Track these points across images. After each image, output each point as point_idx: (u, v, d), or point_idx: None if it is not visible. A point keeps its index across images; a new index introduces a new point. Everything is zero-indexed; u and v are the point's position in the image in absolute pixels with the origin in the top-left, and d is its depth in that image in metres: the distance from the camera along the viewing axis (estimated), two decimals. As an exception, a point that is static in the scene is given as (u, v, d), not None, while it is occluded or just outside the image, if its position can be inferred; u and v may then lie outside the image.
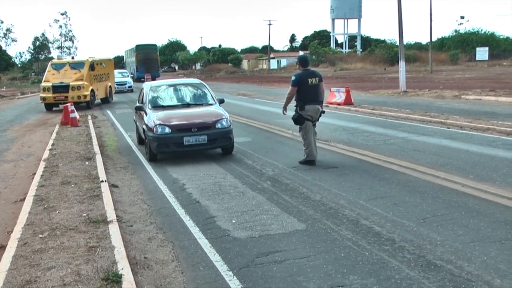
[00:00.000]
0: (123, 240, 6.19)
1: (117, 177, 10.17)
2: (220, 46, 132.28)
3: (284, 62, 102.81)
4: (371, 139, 13.17)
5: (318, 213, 7.14)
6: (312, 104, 10.22)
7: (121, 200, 8.39)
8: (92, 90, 28.66)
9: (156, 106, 12.24)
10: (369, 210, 7.18)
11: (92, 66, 29.16)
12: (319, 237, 6.24)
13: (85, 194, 8.42)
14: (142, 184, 9.63)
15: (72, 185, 9.12)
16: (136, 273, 5.37)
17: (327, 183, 8.78)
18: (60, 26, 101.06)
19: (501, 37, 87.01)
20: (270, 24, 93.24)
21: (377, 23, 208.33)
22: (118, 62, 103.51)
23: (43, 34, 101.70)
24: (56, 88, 27.36)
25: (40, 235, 6.44)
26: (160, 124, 11.16)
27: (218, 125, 11.34)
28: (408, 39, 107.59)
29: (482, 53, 65.28)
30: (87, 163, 11.26)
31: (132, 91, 42.17)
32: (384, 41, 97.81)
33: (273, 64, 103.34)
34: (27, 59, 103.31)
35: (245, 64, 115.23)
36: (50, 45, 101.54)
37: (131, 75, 52.83)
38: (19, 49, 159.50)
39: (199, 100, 12.72)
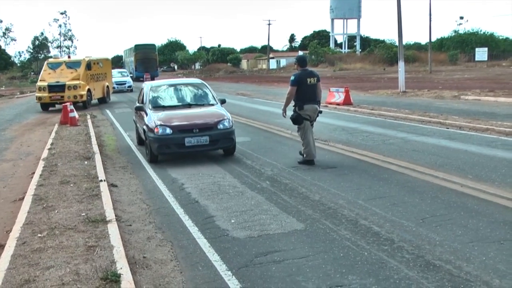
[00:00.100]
0: (122, 240, 6.19)
1: (116, 177, 10.16)
2: (219, 46, 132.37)
3: (283, 62, 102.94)
4: (370, 139, 13.17)
5: (317, 213, 7.15)
6: (311, 104, 10.29)
7: (120, 200, 8.38)
8: (89, 90, 28.33)
9: (157, 106, 12.04)
10: (368, 210, 7.18)
11: (88, 66, 28.82)
12: (318, 237, 6.24)
13: (84, 194, 8.42)
14: (141, 183, 9.63)
15: (71, 185, 9.11)
16: (135, 272, 5.36)
17: (326, 183, 8.78)
18: (60, 26, 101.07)
19: (501, 37, 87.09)
20: (269, 24, 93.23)
21: (377, 23, 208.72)
22: (117, 62, 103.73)
23: (42, 34, 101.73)
24: (52, 88, 27.03)
25: (39, 235, 6.43)
26: (161, 125, 10.97)
27: (220, 126, 11.17)
28: (408, 39, 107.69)
29: (481, 53, 65.26)
30: (86, 162, 11.25)
31: (131, 90, 42.14)
32: (383, 41, 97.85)
33: (273, 64, 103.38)
34: (26, 59, 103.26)
35: (244, 64, 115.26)
36: (49, 44, 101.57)
37: (130, 75, 52.89)
38: (18, 48, 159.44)
39: (200, 100, 12.53)
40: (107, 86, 32.35)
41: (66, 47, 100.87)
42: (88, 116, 22.65)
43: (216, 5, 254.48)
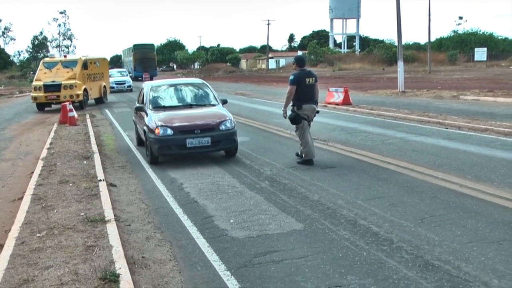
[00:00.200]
0: (121, 240, 6.18)
1: (115, 176, 10.15)
2: (218, 45, 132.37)
3: (282, 62, 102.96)
4: (369, 139, 13.18)
5: (316, 213, 7.14)
6: (309, 104, 10.35)
7: (119, 199, 8.38)
8: (85, 90, 27.88)
9: (157, 107, 11.84)
10: (367, 210, 7.18)
11: (85, 65, 28.41)
12: (317, 237, 6.23)
13: (83, 193, 8.41)
14: (140, 183, 9.62)
15: (70, 184, 9.11)
16: (134, 272, 5.36)
17: (325, 183, 8.78)
18: (59, 25, 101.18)
19: (500, 37, 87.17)
20: (268, 24, 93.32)
21: (376, 23, 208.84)
22: (116, 61, 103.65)
23: (41, 33, 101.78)
24: (47, 87, 26.59)
25: (38, 234, 6.43)
26: (161, 126, 10.77)
27: (222, 127, 10.99)
28: (407, 39, 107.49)
29: (480, 53, 65.28)
30: (85, 162, 11.24)
31: (131, 90, 42.07)
32: (382, 41, 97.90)
33: (272, 64, 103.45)
34: (26, 58, 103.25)
35: (243, 64, 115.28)
36: (48, 43, 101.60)
37: (130, 74, 52.98)
38: (17, 48, 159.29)
39: (202, 101, 12.32)
40: (104, 86, 31.90)
41: (65, 46, 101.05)
42: (87, 116, 22.64)
43: (216, 5, 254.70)
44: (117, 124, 19.70)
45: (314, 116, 10.63)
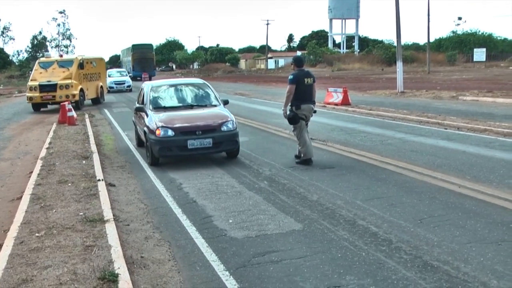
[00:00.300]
0: (119, 239, 6.18)
1: (114, 176, 10.15)
2: (217, 45, 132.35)
3: (281, 62, 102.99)
4: (368, 140, 13.18)
5: (315, 213, 7.14)
6: (307, 104, 10.42)
7: (118, 199, 8.38)
8: (82, 90, 27.45)
9: (158, 107, 11.64)
10: (366, 210, 7.18)
11: (81, 65, 27.95)
12: (316, 237, 6.23)
13: (82, 193, 8.41)
14: (139, 183, 9.62)
15: (69, 184, 9.10)
16: (133, 272, 5.36)
17: (324, 183, 8.78)
18: (58, 25, 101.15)
19: (499, 38, 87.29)
20: (268, 24, 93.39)
21: (375, 24, 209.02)
22: (115, 61, 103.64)
23: (40, 33, 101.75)
24: (43, 87, 26.11)
25: (37, 234, 6.42)
26: (162, 126, 10.58)
27: (224, 128, 10.81)
28: (406, 39, 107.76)
29: (479, 54, 65.46)
30: (84, 162, 11.24)
31: (131, 90, 41.98)
32: (381, 42, 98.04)
33: (271, 64, 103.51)
34: (25, 58, 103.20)
35: (242, 64, 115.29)
36: (48, 43, 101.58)
37: (129, 74, 53.07)
38: (17, 47, 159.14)
39: (203, 101, 12.10)
40: (101, 86, 31.44)
41: (64, 46, 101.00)
42: (86, 116, 22.62)
43: (215, 5, 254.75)
44: (116, 124, 19.69)
45: (311, 116, 10.70)
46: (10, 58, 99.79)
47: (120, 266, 5.27)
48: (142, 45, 70.57)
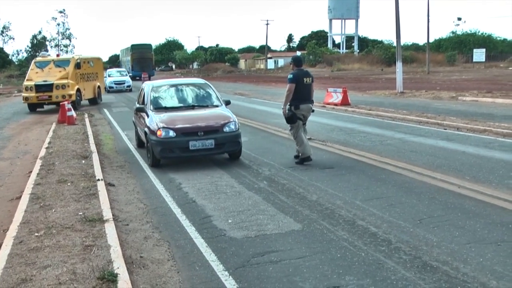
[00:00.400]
0: (119, 239, 6.18)
1: (113, 176, 10.14)
2: (217, 45, 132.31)
3: (281, 62, 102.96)
4: (367, 140, 13.18)
5: (314, 214, 7.14)
6: (306, 103, 10.48)
7: (117, 199, 8.37)
8: (78, 90, 27.01)
9: (159, 108, 11.47)
10: (366, 210, 7.18)
11: (78, 64, 27.56)
12: (315, 237, 6.23)
13: (81, 193, 8.40)
14: (138, 183, 9.61)
15: (69, 184, 9.10)
16: (132, 272, 5.35)
17: (323, 184, 8.78)
18: (58, 24, 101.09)
19: (498, 38, 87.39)
20: (267, 24, 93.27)
21: (375, 24, 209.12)
22: (115, 61, 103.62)
23: (40, 32, 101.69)
24: (39, 87, 25.66)
25: (36, 234, 6.42)
26: (163, 127, 10.41)
27: (226, 129, 10.65)
28: (405, 40, 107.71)
29: (479, 54, 65.34)
30: (83, 161, 11.23)
31: (130, 90, 41.87)
32: (381, 42, 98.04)
33: (270, 64, 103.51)
34: (24, 57, 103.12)
35: (242, 64, 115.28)
36: (47, 43, 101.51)
37: (129, 74, 53.11)
38: (16, 47, 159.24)
39: (204, 102, 11.93)
40: (99, 87, 30.90)
41: (64, 46, 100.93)
42: (86, 115, 22.61)
43: (215, 5, 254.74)
44: (115, 123, 19.69)
45: (309, 115, 10.79)
46: (10, 57, 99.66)
47: (119, 266, 5.27)
48: (141, 45, 71.09)
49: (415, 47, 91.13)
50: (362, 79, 48.69)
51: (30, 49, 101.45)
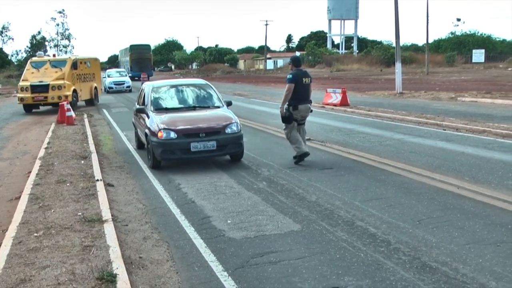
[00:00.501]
0: (118, 240, 6.18)
1: (112, 176, 10.14)
2: (216, 46, 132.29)
3: (280, 63, 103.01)
4: (367, 140, 13.18)
5: (313, 214, 7.14)
6: (304, 104, 10.53)
7: (116, 199, 8.37)
8: (75, 91, 26.46)
9: (159, 109, 11.32)
10: (365, 211, 7.18)
11: (74, 65, 26.96)
12: (314, 238, 6.23)
13: (81, 193, 8.39)
14: (137, 183, 9.61)
15: (68, 184, 9.09)
16: (131, 272, 5.35)
17: (322, 184, 8.78)
18: (57, 25, 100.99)
19: (498, 39, 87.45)
20: (266, 25, 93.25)
21: (374, 24, 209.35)
22: (114, 61, 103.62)
23: (39, 32, 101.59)
24: (34, 88, 25.18)
25: (35, 234, 6.41)
26: (164, 129, 10.28)
27: (228, 130, 10.52)
28: (405, 40, 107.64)
29: (478, 55, 65.44)
30: (82, 162, 11.22)
31: (130, 91, 41.82)
32: (380, 42, 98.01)
33: (270, 65, 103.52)
34: (24, 57, 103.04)
35: (241, 64, 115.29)
36: (47, 43, 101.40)
37: (129, 74, 53.17)
38: (15, 47, 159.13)
39: (205, 102, 11.79)
40: (96, 88, 30.56)
41: (63, 46, 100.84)
42: (85, 116, 22.59)
43: (214, 5, 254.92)
44: (115, 124, 19.69)
45: (308, 115, 10.85)
46: (9, 57, 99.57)
47: (118, 267, 5.27)
48: (140, 46, 71.43)
49: (414, 47, 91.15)
50: (361, 80, 48.71)
51: (29, 50, 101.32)
